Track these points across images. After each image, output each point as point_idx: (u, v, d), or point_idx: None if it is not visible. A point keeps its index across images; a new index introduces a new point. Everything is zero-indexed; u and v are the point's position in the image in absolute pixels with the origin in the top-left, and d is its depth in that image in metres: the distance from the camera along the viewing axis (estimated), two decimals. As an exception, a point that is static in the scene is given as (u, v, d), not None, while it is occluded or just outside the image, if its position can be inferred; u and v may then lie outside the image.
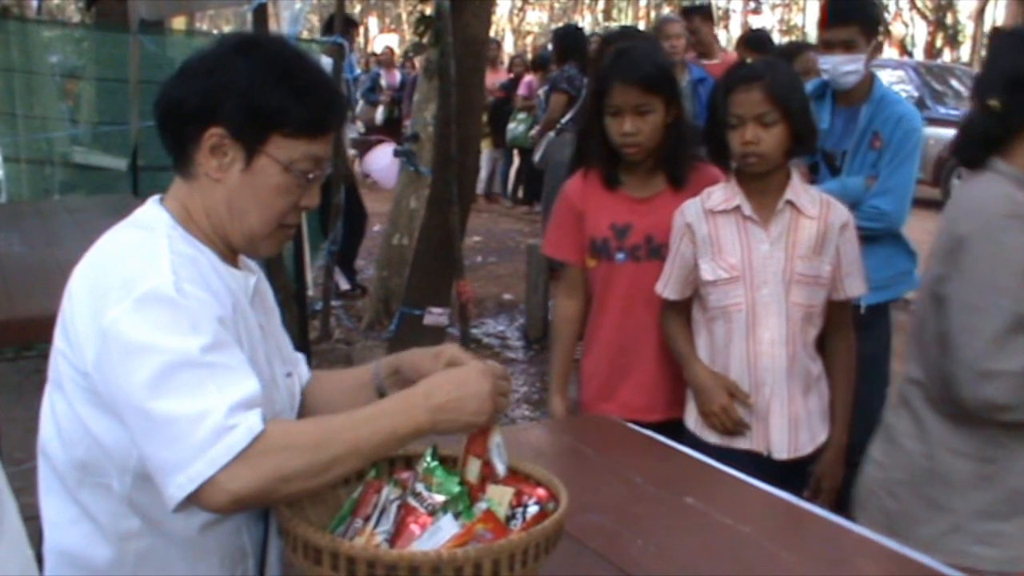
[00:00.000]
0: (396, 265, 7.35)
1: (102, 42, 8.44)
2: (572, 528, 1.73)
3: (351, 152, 9.44)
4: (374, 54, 20.00)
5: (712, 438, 2.80)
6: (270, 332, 1.89)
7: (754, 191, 2.78)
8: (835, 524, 2.09)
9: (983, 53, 26.54)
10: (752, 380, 2.78)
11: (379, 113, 14.73)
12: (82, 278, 1.68)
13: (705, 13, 7.57)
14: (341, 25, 7.34)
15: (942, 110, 13.58)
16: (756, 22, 33.37)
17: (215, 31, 24.09)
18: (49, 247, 4.49)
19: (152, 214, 1.77)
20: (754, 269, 2.76)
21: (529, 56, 16.49)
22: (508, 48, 30.65)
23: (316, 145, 1.74)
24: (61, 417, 1.70)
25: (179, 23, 11.29)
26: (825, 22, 3.82)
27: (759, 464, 2.69)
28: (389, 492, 1.73)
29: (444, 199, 6.13)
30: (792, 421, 2.79)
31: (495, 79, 13.60)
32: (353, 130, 16.48)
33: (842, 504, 2.73)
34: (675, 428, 2.82)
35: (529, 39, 36.51)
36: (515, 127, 11.78)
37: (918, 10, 31.60)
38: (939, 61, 24.49)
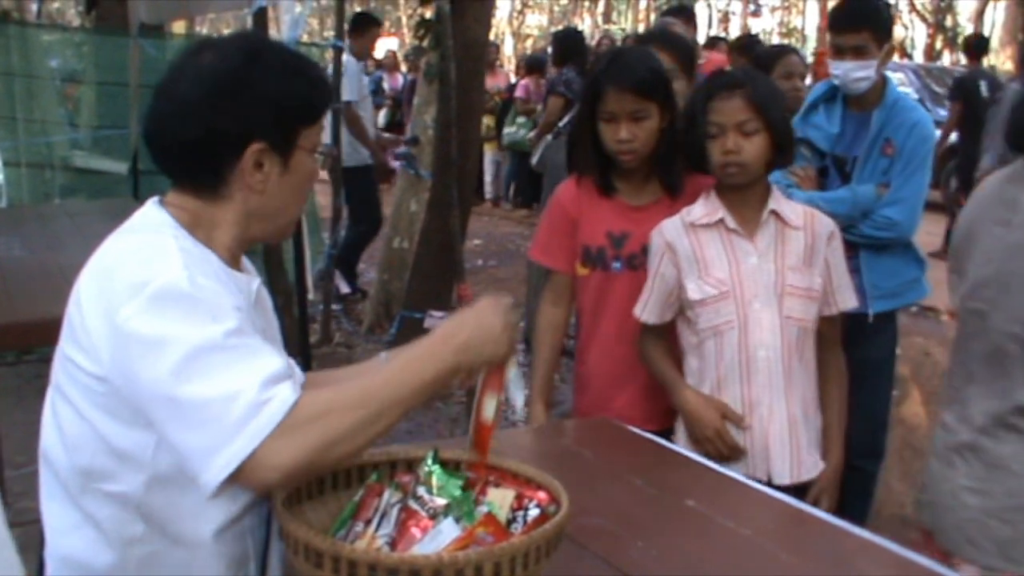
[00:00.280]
0: (396, 268, 7.36)
1: (102, 46, 8.43)
2: (573, 531, 1.73)
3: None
4: (373, 58, 20.00)
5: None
6: (271, 337, 1.90)
7: (735, 203, 2.69)
8: (836, 527, 2.09)
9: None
10: (747, 400, 2.67)
11: (381, 116, 14.76)
12: (89, 283, 1.68)
13: (687, 15, 7.54)
14: (340, 27, 7.35)
15: (942, 112, 13.56)
16: (756, 25, 33.42)
17: (215, 35, 24.09)
18: (50, 251, 4.50)
19: (154, 217, 1.77)
20: (743, 283, 2.65)
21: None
22: (508, 51, 30.63)
23: (322, 120, 1.85)
24: (65, 422, 1.70)
25: (179, 27, 11.29)
26: (835, 27, 3.75)
27: None
28: (390, 495, 1.73)
29: (444, 202, 6.13)
30: (793, 443, 2.67)
31: (494, 83, 13.60)
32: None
33: (841, 510, 2.71)
34: (671, 437, 2.80)
35: (529, 42, 36.52)
36: (515, 131, 11.75)
37: (917, 12, 31.61)
38: (939, 63, 24.48)
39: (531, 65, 12.57)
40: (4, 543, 1.55)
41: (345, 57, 8.25)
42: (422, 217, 6.89)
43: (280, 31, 5.46)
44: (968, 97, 10.28)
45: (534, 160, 8.92)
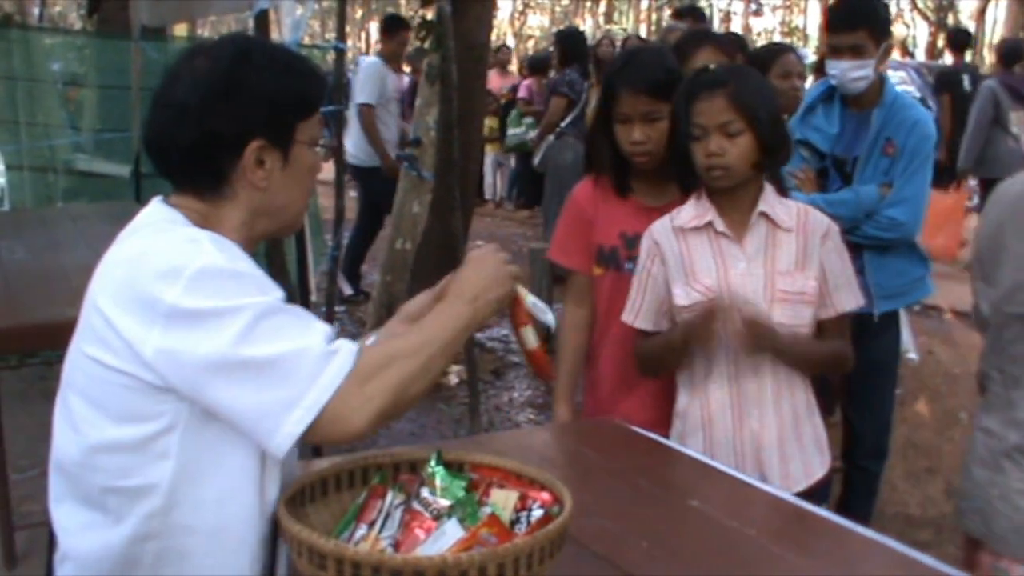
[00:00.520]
0: (399, 270, 7.34)
1: (104, 49, 8.44)
2: (576, 531, 1.73)
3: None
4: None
5: None
6: None
7: (725, 205, 2.61)
8: (840, 526, 2.09)
9: (985, 54, 26.54)
10: (736, 411, 2.61)
11: None
12: (110, 281, 1.69)
13: (697, 15, 7.52)
14: (341, 29, 7.34)
15: (943, 111, 13.56)
16: (757, 24, 33.40)
17: (216, 37, 24.07)
18: (52, 254, 4.50)
19: (165, 214, 1.79)
20: (732, 290, 2.56)
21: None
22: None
23: (319, 113, 1.86)
24: (80, 421, 1.70)
25: (180, 30, 11.29)
26: (832, 26, 3.73)
27: None
28: (393, 497, 1.73)
29: (446, 204, 6.13)
30: (781, 453, 2.60)
31: (503, 84, 13.61)
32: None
33: (846, 510, 2.71)
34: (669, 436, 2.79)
35: (531, 43, 36.53)
36: (522, 131, 11.70)
37: (919, 11, 31.59)
38: (941, 62, 24.46)
39: (535, 66, 12.57)
40: None
41: (368, 59, 8.25)
42: (424, 218, 6.89)
43: (281, 33, 5.46)
44: (952, 91, 10.33)
45: (536, 161, 8.93)
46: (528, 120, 11.61)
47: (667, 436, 2.72)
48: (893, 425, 4.13)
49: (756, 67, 4.66)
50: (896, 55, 25.25)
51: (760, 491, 2.28)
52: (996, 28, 25.70)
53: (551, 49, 9.15)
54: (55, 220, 5.77)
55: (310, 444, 1.68)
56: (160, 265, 1.63)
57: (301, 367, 1.60)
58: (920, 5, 31.28)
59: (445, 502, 1.70)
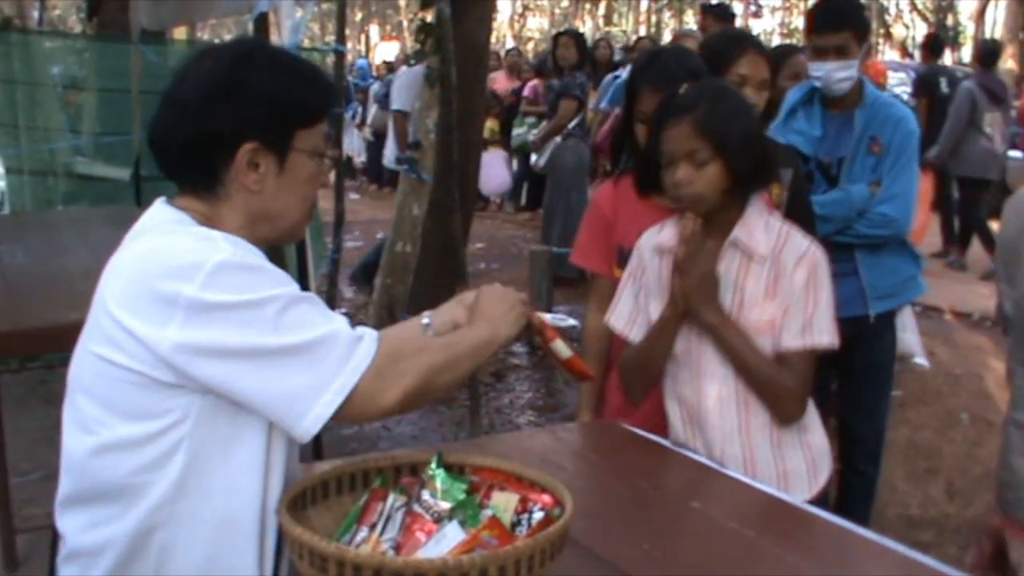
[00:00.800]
0: (399, 272, 7.35)
1: (104, 52, 8.44)
2: (577, 533, 1.73)
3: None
4: (386, 62, 20.05)
5: None
6: None
7: (705, 227, 2.47)
8: (840, 527, 2.09)
9: (984, 54, 26.51)
10: (703, 439, 2.51)
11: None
12: (121, 281, 1.70)
13: (717, 13, 7.48)
14: (341, 32, 7.34)
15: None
16: (757, 26, 33.40)
17: (216, 40, 24.11)
18: (53, 258, 4.50)
19: (171, 214, 1.80)
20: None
21: (530, 60, 16.49)
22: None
23: (324, 123, 1.86)
24: (90, 421, 1.71)
25: (180, 33, 11.30)
26: (816, 28, 3.71)
27: None
28: (394, 500, 1.74)
29: (446, 206, 6.13)
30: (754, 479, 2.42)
31: (511, 85, 13.60)
32: (356, 136, 16.55)
33: (841, 512, 2.69)
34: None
35: (530, 45, 36.53)
36: (523, 131, 11.67)
37: (919, 12, 31.61)
38: (939, 62, 24.45)
39: (541, 68, 12.55)
40: None
41: (404, 67, 8.24)
42: (424, 221, 6.89)
43: (281, 36, 5.46)
44: (930, 93, 10.43)
45: (541, 162, 8.92)
46: (530, 120, 11.60)
47: None
48: (888, 428, 4.12)
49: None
50: (896, 56, 25.29)
51: (761, 493, 2.28)
52: (996, 29, 25.69)
53: (555, 52, 9.06)
54: (55, 223, 5.78)
55: (342, 421, 1.72)
56: (175, 262, 1.65)
57: (331, 352, 1.66)
58: (919, 6, 31.29)
59: (446, 505, 1.71)
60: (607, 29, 33.89)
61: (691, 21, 33.60)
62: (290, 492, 1.72)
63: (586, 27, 35.03)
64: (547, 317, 2.07)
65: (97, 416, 1.70)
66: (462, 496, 1.73)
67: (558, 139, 8.91)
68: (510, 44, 28.85)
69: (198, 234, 1.71)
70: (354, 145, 16.62)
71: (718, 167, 2.39)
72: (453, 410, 5.89)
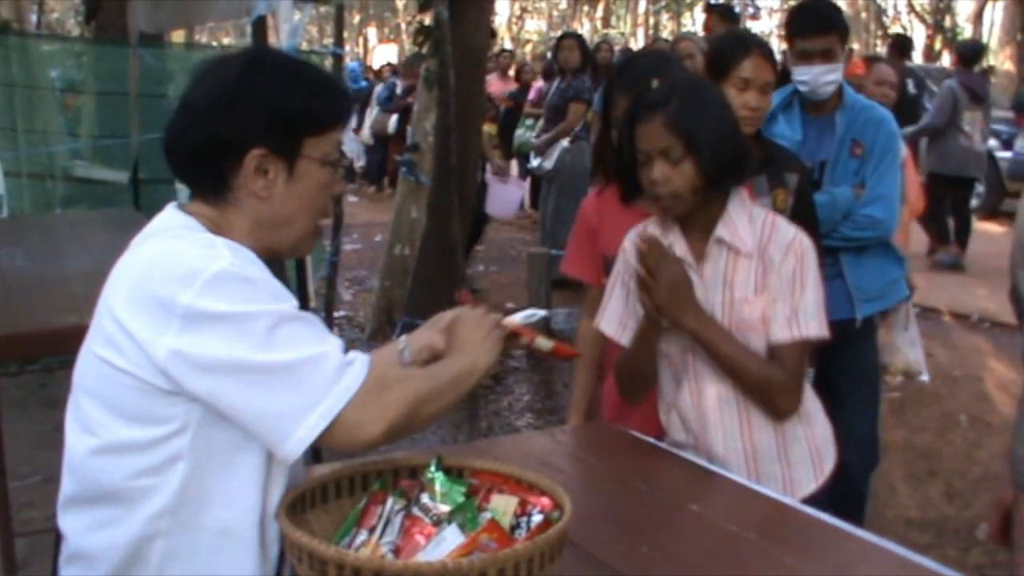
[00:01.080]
0: (398, 275, 7.36)
1: (102, 56, 8.44)
2: (576, 536, 1.73)
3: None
4: (390, 64, 20.04)
5: None
6: None
7: (687, 226, 2.46)
8: (840, 529, 2.09)
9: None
10: (703, 440, 2.49)
11: (392, 121, 14.79)
12: (124, 284, 1.70)
13: (722, 12, 7.47)
14: (339, 34, 7.34)
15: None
16: (755, 27, 33.42)
17: (214, 44, 24.13)
18: (51, 261, 4.50)
19: (181, 220, 1.80)
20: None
21: (529, 62, 16.49)
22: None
23: (337, 132, 1.86)
24: (93, 423, 1.71)
25: (178, 36, 11.29)
26: (803, 31, 3.66)
27: None
28: (394, 503, 1.74)
29: (445, 209, 6.14)
30: (754, 480, 2.41)
31: (505, 87, 13.60)
32: (354, 140, 16.55)
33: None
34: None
35: (528, 47, 36.55)
36: (522, 133, 11.65)
37: (916, 13, 31.62)
38: (938, 64, 24.49)
39: (550, 70, 12.54)
40: None
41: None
42: (423, 223, 6.90)
43: (279, 39, 5.46)
44: (898, 94, 10.52)
45: (547, 164, 8.90)
46: (528, 122, 11.59)
47: None
48: (879, 438, 4.05)
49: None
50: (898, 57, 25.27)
51: (760, 495, 2.28)
52: (993, 30, 25.72)
53: (547, 54, 9.09)
54: (54, 227, 5.77)
55: (325, 448, 1.70)
56: (176, 268, 1.65)
57: (319, 373, 1.63)
58: (917, 8, 31.31)
59: (445, 508, 1.71)
60: (605, 31, 33.91)
61: (689, 23, 33.65)
62: (289, 495, 1.72)
63: (584, 29, 35.04)
64: (516, 319, 2.03)
65: (99, 417, 1.70)
66: (461, 499, 1.73)
67: (564, 142, 8.91)
68: (508, 47, 28.86)
69: (202, 241, 1.71)
70: (351, 149, 16.62)
71: (692, 165, 2.34)
72: (451, 413, 5.88)
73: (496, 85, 13.41)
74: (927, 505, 4.79)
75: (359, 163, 16.79)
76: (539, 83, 12.64)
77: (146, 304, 1.64)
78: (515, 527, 1.71)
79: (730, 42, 3.26)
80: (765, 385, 2.42)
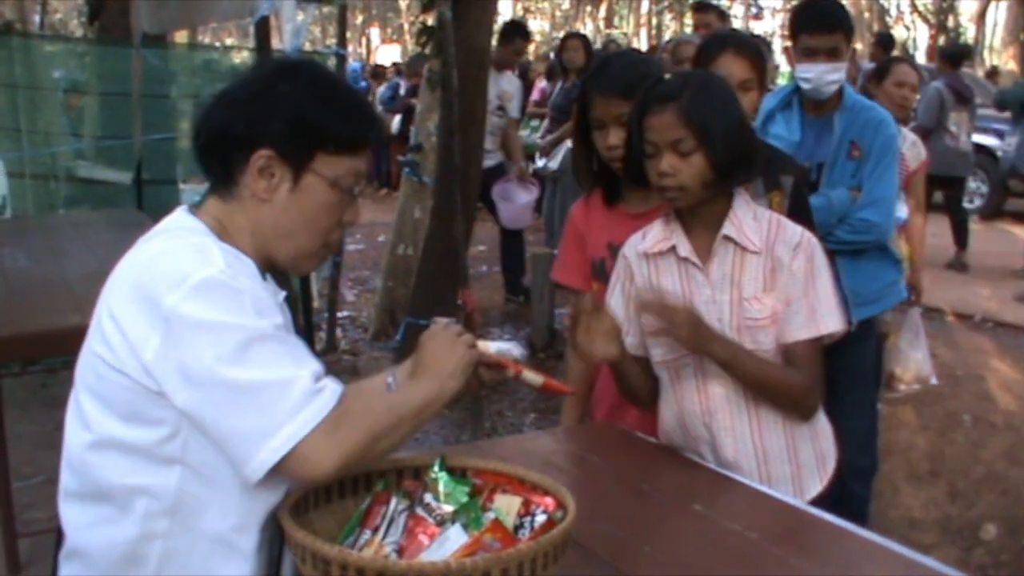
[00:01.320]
0: (401, 275, 7.36)
1: (105, 56, 8.45)
2: (580, 536, 1.73)
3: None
4: (394, 64, 20.01)
5: None
6: None
7: (691, 225, 2.44)
8: (843, 529, 2.09)
9: (985, 56, 26.55)
10: (712, 443, 2.46)
11: (395, 122, 14.79)
12: (122, 282, 1.71)
13: (702, 8, 7.45)
14: (342, 35, 7.35)
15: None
16: (757, 27, 33.41)
17: (217, 44, 24.15)
18: (54, 262, 4.50)
19: (187, 222, 1.81)
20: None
21: (532, 62, 16.47)
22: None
23: (357, 160, 1.83)
24: (90, 419, 1.72)
25: (181, 36, 11.30)
26: (809, 28, 3.60)
27: None
28: (397, 503, 1.74)
29: (448, 209, 6.14)
30: (765, 483, 2.39)
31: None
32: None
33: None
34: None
35: (531, 48, 36.52)
36: (527, 134, 11.61)
37: (919, 13, 31.62)
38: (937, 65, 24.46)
39: (553, 70, 12.51)
40: None
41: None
42: (426, 224, 6.90)
43: (282, 39, 5.47)
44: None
45: (552, 165, 8.89)
46: (533, 123, 11.56)
47: None
48: (878, 441, 4.01)
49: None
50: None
51: (763, 495, 2.27)
52: (996, 31, 25.71)
53: (562, 54, 9.00)
54: (57, 227, 5.77)
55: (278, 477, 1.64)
56: (167, 270, 1.65)
57: (285, 398, 1.59)
58: (920, 8, 31.30)
59: (449, 508, 1.71)
60: (608, 31, 33.88)
61: (692, 23, 33.61)
62: (292, 496, 1.72)
63: (587, 29, 35.01)
64: (492, 349, 1.96)
65: (95, 414, 1.71)
66: (465, 499, 1.73)
67: (569, 143, 8.89)
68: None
69: (198, 246, 1.71)
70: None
71: (702, 158, 2.32)
72: (454, 412, 5.88)
73: None
74: (930, 505, 4.78)
75: None
76: (542, 83, 12.61)
77: (139, 304, 1.64)
78: (519, 527, 1.71)
79: (708, 40, 3.25)
80: (791, 392, 2.42)
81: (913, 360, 5.67)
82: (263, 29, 5.13)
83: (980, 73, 19.27)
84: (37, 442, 4.47)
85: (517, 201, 8.36)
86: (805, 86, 3.64)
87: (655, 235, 2.50)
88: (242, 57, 10.53)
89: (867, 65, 10.23)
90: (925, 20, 31.14)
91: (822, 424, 2.57)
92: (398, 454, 1.95)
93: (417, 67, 13.16)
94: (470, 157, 6.42)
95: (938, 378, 5.86)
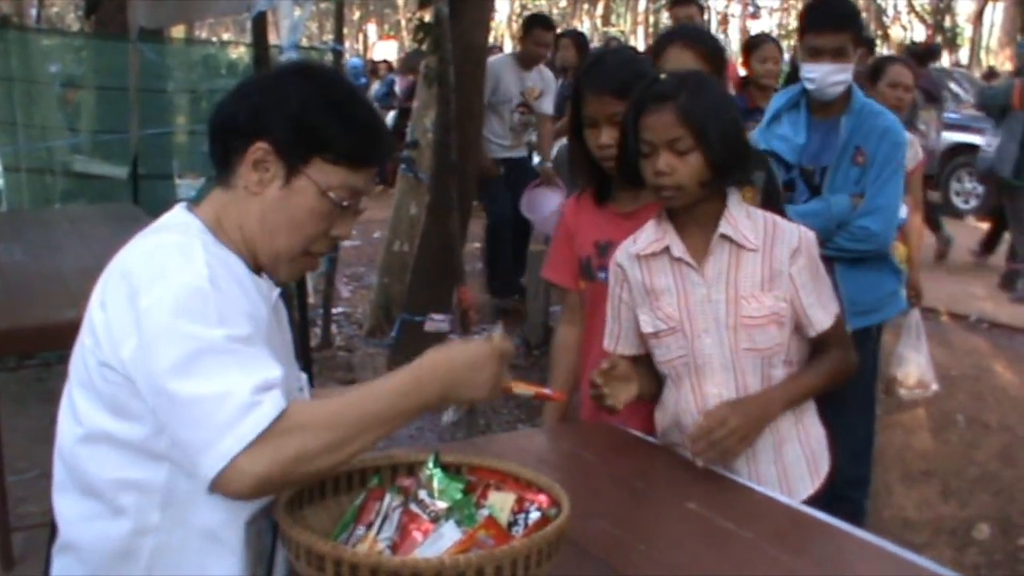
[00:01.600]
0: (397, 272, 7.35)
1: (101, 51, 8.44)
2: (574, 534, 1.73)
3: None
4: (385, 61, 19.99)
5: None
6: (284, 346, 1.91)
7: (684, 226, 2.44)
8: (837, 528, 2.09)
9: (981, 56, 26.57)
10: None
11: (389, 118, 14.78)
12: (113, 278, 1.71)
13: (698, 5, 7.41)
14: (339, 31, 7.35)
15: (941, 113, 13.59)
16: (754, 27, 33.43)
17: (214, 39, 24.12)
18: (50, 256, 4.50)
19: (182, 219, 1.81)
20: (692, 317, 2.42)
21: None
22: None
23: (356, 176, 1.81)
24: (81, 412, 1.72)
25: (178, 31, 11.28)
26: (815, 27, 3.54)
27: None
28: (391, 499, 1.74)
29: (444, 206, 6.14)
30: (754, 483, 2.38)
31: None
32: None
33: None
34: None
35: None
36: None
37: (916, 13, 31.63)
38: (938, 64, 24.49)
39: (550, 68, 12.49)
40: None
41: (492, 59, 8.00)
42: (422, 220, 6.89)
43: (279, 35, 5.46)
44: None
45: (550, 160, 8.87)
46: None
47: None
48: (874, 449, 3.95)
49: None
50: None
51: (757, 493, 2.28)
52: (993, 31, 25.73)
53: (555, 53, 8.92)
54: (53, 221, 5.78)
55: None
56: (149, 270, 1.65)
57: (220, 413, 1.54)
58: (917, 8, 31.32)
59: (443, 504, 1.71)
60: (605, 29, 33.88)
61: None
62: (288, 492, 1.72)
63: (584, 27, 35.00)
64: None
65: (85, 407, 1.72)
66: (459, 496, 1.73)
67: (564, 140, 8.87)
68: (508, 45, 28.81)
69: (183, 247, 1.69)
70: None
71: (699, 157, 2.32)
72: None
73: None
74: (924, 505, 4.79)
75: None
76: None
77: (125, 300, 1.65)
78: (512, 524, 1.71)
79: (659, 35, 3.21)
80: (846, 373, 2.54)
81: (914, 364, 5.66)
82: (260, 25, 5.12)
83: (977, 74, 19.31)
84: (32, 436, 4.46)
85: (545, 211, 8.28)
86: (809, 86, 3.58)
87: (647, 237, 2.50)
88: (239, 53, 10.51)
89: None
90: (922, 20, 31.14)
91: (813, 428, 2.58)
92: (392, 450, 1.96)
93: (412, 63, 13.14)
94: (467, 154, 6.41)
95: (939, 384, 5.85)
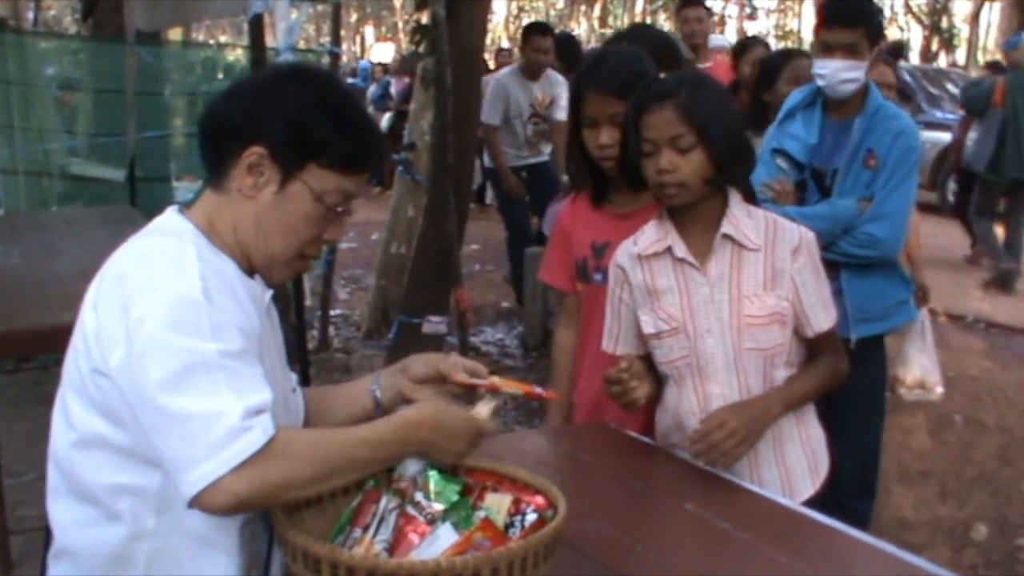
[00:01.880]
0: (394, 274, 7.35)
1: (99, 53, 8.44)
2: (571, 535, 1.73)
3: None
4: (382, 64, 19.96)
5: None
6: (275, 347, 1.91)
7: (686, 225, 2.44)
8: (834, 529, 2.09)
9: (978, 56, 26.57)
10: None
11: (385, 120, 14.77)
12: (106, 282, 1.70)
13: (706, 7, 7.40)
14: (336, 33, 7.34)
15: (938, 114, 13.60)
16: (751, 27, 33.46)
17: (211, 41, 24.11)
18: (47, 259, 4.50)
19: (175, 223, 1.81)
20: (695, 317, 2.42)
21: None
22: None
23: (350, 181, 1.81)
24: (74, 417, 1.72)
25: (175, 34, 11.27)
26: (828, 21, 3.42)
27: None
28: (388, 501, 1.74)
29: (441, 208, 6.13)
30: (756, 485, 2.39)
31: None
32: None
33: None
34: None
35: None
36: None
37: (913, 14, 31.66)
38: (935, 65, 24.52)
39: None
40: None
41: (496, 75, 7.94)
42: (419, 222, 6.89)
43: (276, 38, 5.46)
44: None
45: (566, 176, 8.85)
46: None
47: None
48: (880, 460, 3.87)
49: (767, 73, 4.59)
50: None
51: (754, 494, 2.28)
52: (990, 31, 25.75)
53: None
54: (50, 224, 5.76)
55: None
56: (142, 278, 1.65)
57: (211, 433, 1.54)
58: (914, 9, 31.34)
59: (439, 506, 1.71)
60: (602, 31, 33.87)
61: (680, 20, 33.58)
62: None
63: (581, 28, 35.03)
64: (483, 412, 1.90)
65: (78, 411, 1.71)
66: (455, 498, 1.73)
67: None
68: (506, 46, 28.85)
69: (176, 255, 1.68)
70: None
71: (701, 154, 2.33)
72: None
73: None
74: (921, 505, 4.79)
75: None
76: None
77: (116, 307, 1.64)
78: (509, 526, 1.72)
79: (611, 36, 3.16)
80: (839, 379, 2.56)
81: (918, 364, 5.65)
82: (257, 27, 5.11)
83: (974, 75, 19.30)
84: (29, 439, 4.45)
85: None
86: (820, 83, 3.47)
87: (648, 237, 2.50)
88: (236, 55, 10.50)
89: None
90: (919, 21, 31.18)
91: (813, 429, 2.58)
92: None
93: (408, 65, 13.13)
94: (464, 156, 6.40)
95: (943, 386, 5.83)
